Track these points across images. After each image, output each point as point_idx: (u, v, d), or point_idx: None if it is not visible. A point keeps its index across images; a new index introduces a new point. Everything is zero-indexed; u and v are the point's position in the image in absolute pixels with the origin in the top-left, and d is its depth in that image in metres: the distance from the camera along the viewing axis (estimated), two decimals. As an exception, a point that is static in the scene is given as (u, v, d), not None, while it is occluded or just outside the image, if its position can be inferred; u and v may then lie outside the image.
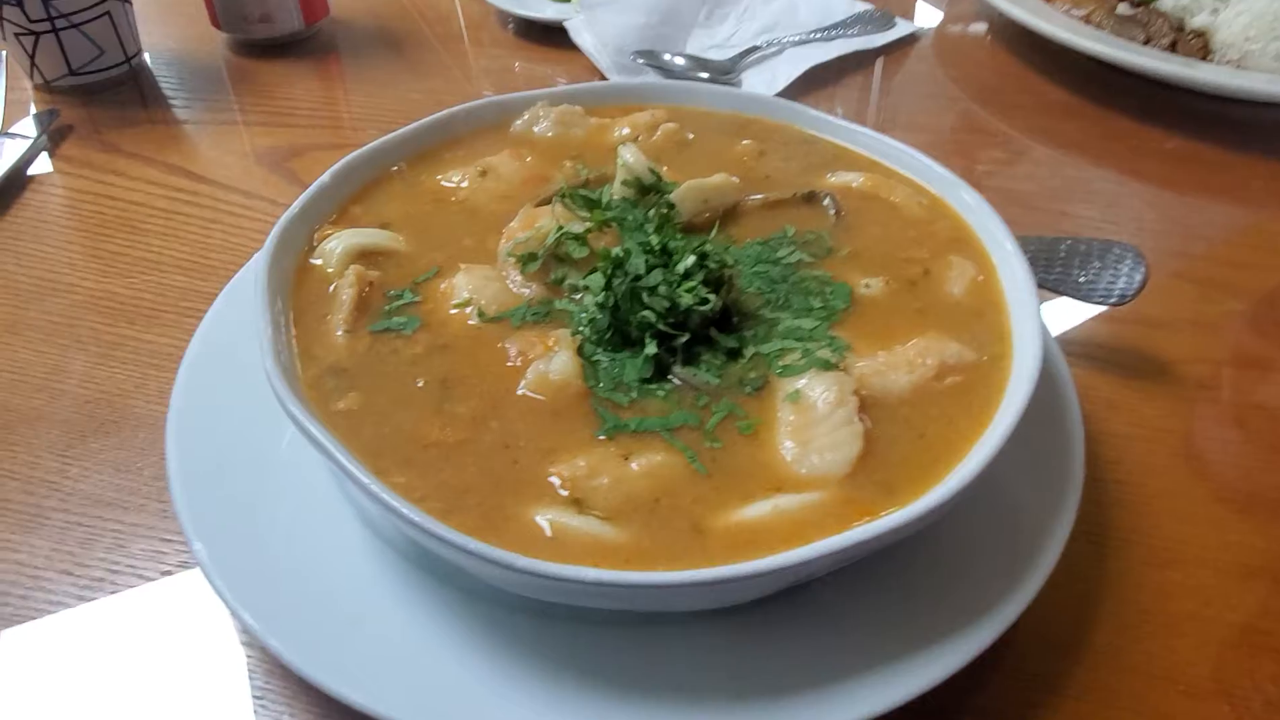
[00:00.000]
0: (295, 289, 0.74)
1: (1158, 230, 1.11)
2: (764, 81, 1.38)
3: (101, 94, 1.39)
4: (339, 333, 0.70)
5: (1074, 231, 1.12)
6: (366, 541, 0.66)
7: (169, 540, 0.75)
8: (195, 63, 1.49)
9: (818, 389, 0.64)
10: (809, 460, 0.60)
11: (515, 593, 0.60)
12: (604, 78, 1.42)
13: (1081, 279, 0.89)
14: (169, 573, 0.73)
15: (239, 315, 0.82)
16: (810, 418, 0.62)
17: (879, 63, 1.51)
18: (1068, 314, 0.96)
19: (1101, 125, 1.32)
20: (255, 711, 0.64)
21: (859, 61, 1.50)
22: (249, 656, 0.67)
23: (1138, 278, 0.86)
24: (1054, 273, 0.90)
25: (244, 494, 0.69)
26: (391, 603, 0.62)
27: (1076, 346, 0.93)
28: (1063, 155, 1.27)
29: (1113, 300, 0.87)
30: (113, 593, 0.71)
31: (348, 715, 0.57)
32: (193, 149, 1.28)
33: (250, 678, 0.65)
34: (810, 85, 1.41)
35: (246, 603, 0.61)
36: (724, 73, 1.38)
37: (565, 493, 0.59)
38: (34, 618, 0.70)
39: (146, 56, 1.47)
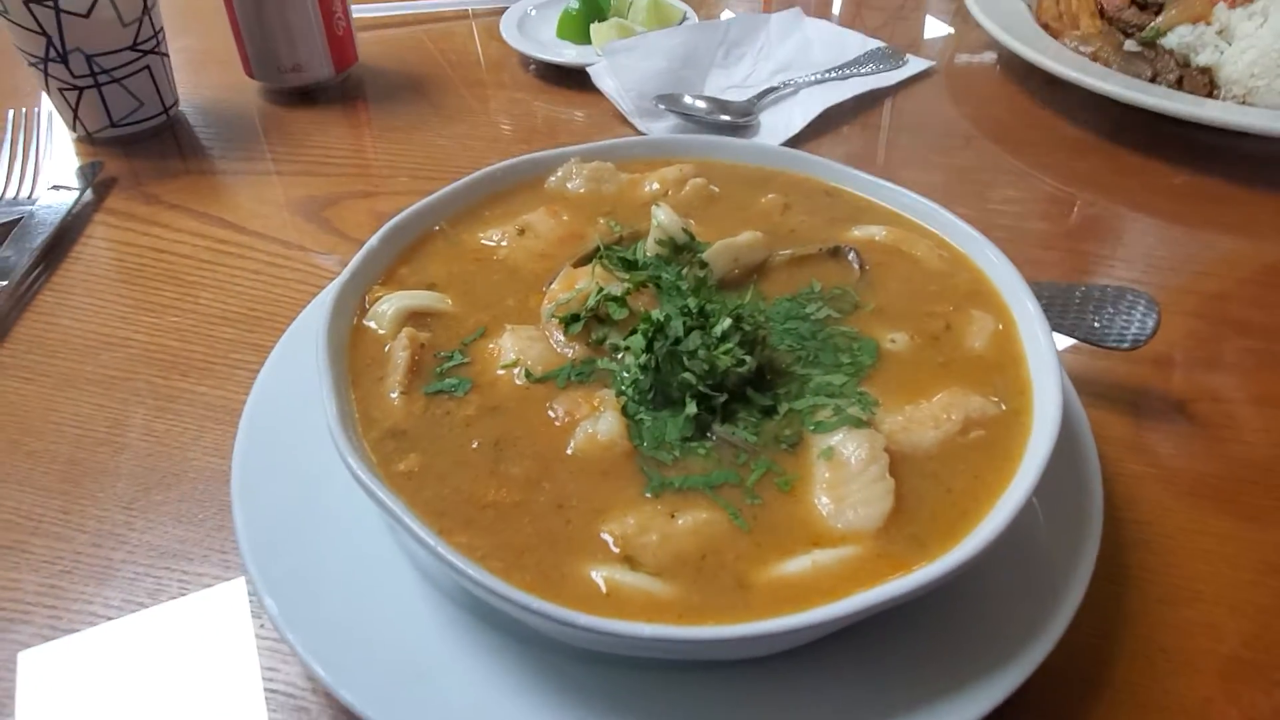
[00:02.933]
0: (351, 351, 0.78)
1: (1169, 268, 1.15)
2: (782, 123, 1.42)
3: (140, 144, 1.44)
4: (395, 395, 0.74)
5: (1088, 269, 1.16)
6: (425, 594, 0.70)
7: (232, 587, 0.79)
8: (230, 112, 1.54)
9: (850, 446, 0.67)
10: (844, 516, 0.64)
11: (572, 644, 0.64)
12: (625, 120, 1.47)
13: (1096, 324, 0.92)
14: (236, 622, 0.77)
15: (292, 371, 0.87)
16: (844, 474, 0.66)
17: (892, 101, 1.55)
18: (1083, 357, 0.99)
19: (1111, 161, 1.36)
20: (324, 757, 0.68)
21: (873, 100, 1.54)
22: (313, 703, 0.71)
23: (1150, 324, 0.90)
24: (1069, 318, 0.94)
25: (308, 550, 0.73)
26: (454, 653, 0.66)
27: (1092, 387, 0.96)
28: (1074, 193, 1.30)
29: (1126, 345, 0.91)
30: (182, 642, 0.76)
31: (417, 763, 0.60)
32: (231, 199, 1.33)
33: (318, 724, 0.69)
34: (827, 124, 1.45)
35: (318, 655, 0.65)
36: (743, 114, 1.43)
37: (617, 550, 0.63)
38: (112, 670, 0.74)
39: (183, 107, 1.53)
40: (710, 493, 0.66)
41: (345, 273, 0.82)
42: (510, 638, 0.67)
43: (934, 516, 0.65)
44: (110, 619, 0.78)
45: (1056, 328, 0.92)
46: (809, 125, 1.43)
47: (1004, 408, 0.73)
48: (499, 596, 0.58)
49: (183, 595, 0.79)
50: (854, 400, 0.72)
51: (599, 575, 0.61)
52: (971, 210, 1.22)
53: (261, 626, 0.76)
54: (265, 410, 0.84)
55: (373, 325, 0.81)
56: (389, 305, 0.81)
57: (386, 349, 0.78)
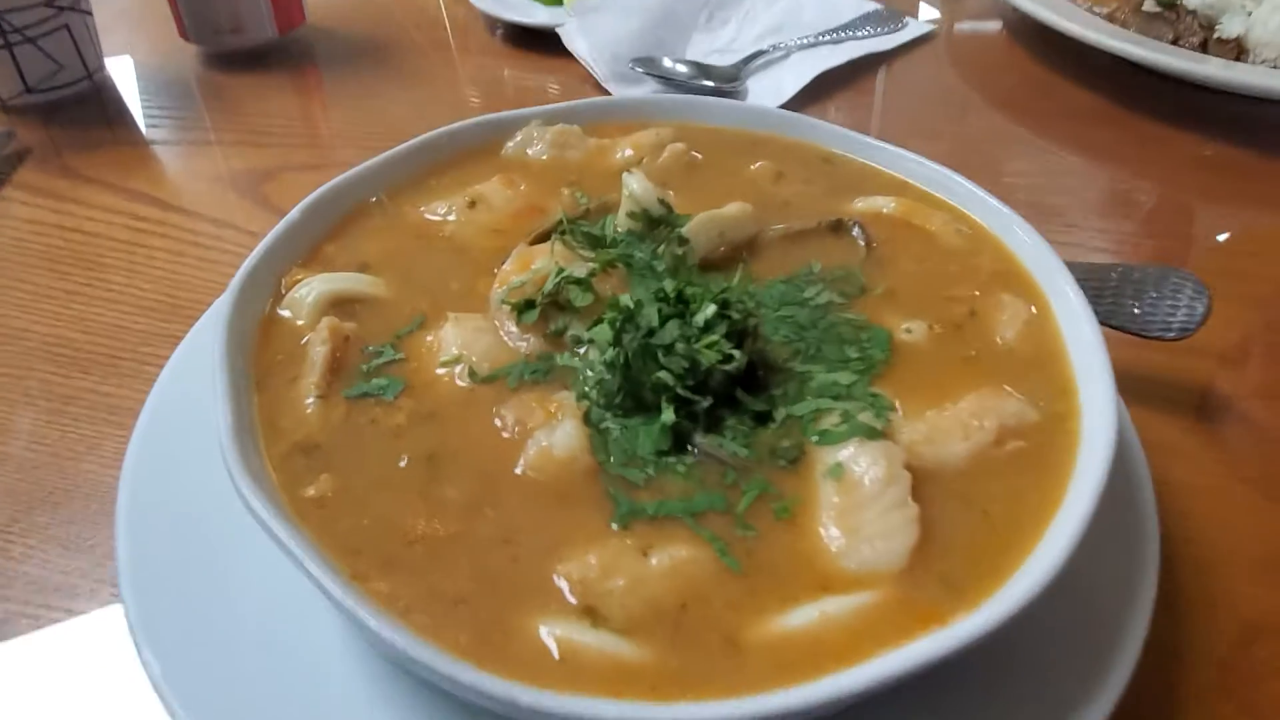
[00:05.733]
0: (259, 346, 0.65)
1: (1206, 247, 1.03)
2: (771, 89, 1.29)
3: (61, 112, 1.30)
4: (310, 400, 0.61)
5: (1113, 250, 1.04)
6: (348, 644, 0.57)
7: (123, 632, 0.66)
8: (162, 77, 1.40)
9: (863, 463, 0.55)
10: (858, 552, 0.52)
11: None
12: (600, 87, 1.33)
13: (1136, 310, 0.80)
14: (125, 677, 0.64)
15: (201, 367, 0.74)
16: (856, 498, 0.54)
17: (890, 66, 1.43)
18: (1119, 346, 0.87)
19: (1133, 131, 1.24)
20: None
21: (869, 65, 1.41)
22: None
23: (1200, 309, 0.78)
24: (1105, 302, 0.81)
25: (206, 588, 0.60)
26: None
27: (1130, 383, 0.84)
28: (1095, 165, 1.18)
29: (1171, 335, 0.79)
30: (61, 699, 0.62)
31: None
32: (159, 172, 1.18)
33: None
34: (819, 91, 1.32)
35: (206, 729, 0.52)
36: (729, 80, 1.29)
37: (574, 599, 0.50)
38: (-34, 732, 0.61)
39: (109, 71, 1.38)
40: (692, 522, 0.54)
41: (257, 251, 0.69)
42: (454, 702, 0.54)
43: (969, 551, 0.53)
44: (-29, 670, 0.64)
45: (1090, 314, 0.80)
46: (801, 92, 1.29)
47: (1043, 412, 0.60)
48: (421, 665, 0.45)
49: (63, 639, 0.66)
50: (865, 404, 0.60)
51: (551, 633, 0.48)
52: (982, 185, 1.09)
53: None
54: (164, 412, 0.71)
55: (288, 314, 0.67)
56: (309, 290, 0.68)
57: (304, 341, 0.65)
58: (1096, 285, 0.82)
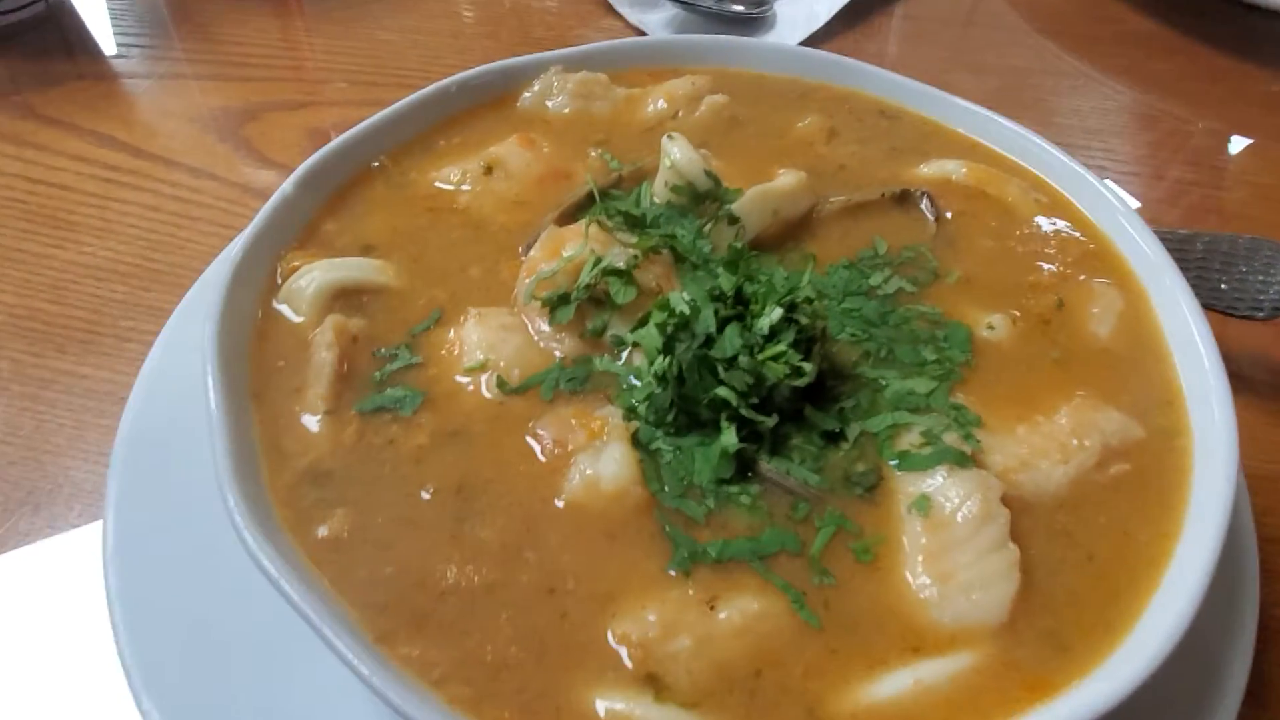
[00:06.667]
0: (255, 350, 0.57)
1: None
2: (803, 14, 1.17)
3: (14, 40, 1.17)
4: (317, 416, 0.53)
5: (1179, 201, 0.95)
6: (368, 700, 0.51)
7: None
8: (127, -1, 1.26)
9: (954, 496, 0.48)
10: (954, 604, 0.46)
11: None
12: (612, 8, 1.21)
13: (1224, 286, 0.73)
14: None
15: (192, 349, 0.65)
16: (947, 538, 0.47)
17: (930, -13, 1.30)
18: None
19: (1196, 62, 1.14)
20: None
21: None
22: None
23: (1296, 286, 0.71)
24: (1189, 275, 0.73)
25: (210, 626, 0.53)
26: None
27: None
28: (1154, 101, 1.08)
29: (1262, 314, 0.71)
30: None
31: None
32: (128, 111, 1.07)
33: None
34: (855, 17, 1.20)
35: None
36: (757, 3, 1.17)
37: (632, 664, 0.44)
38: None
39: (67, -9, 1.24)
40: (761, 568, 0.47)
41: (247, 233, 0.60)
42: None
43: (1075, 600, 0.47)
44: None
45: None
46: (835, 17, 1.18)
47: (1149, 427, 0.54)
48: (465, 756, 0.39)
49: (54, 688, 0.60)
50: (948, 418, 0.53)
51: (610, 708, 0.42)
52: (1034, 126, 1.00)
53: None
54: (154, 408, 0.63)
55: (286, 310, 0.59)
56: (309, 280, 0.59)
57: (311, 338, 0.57)
58: (1179, 257, 0.74)
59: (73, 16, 1.23)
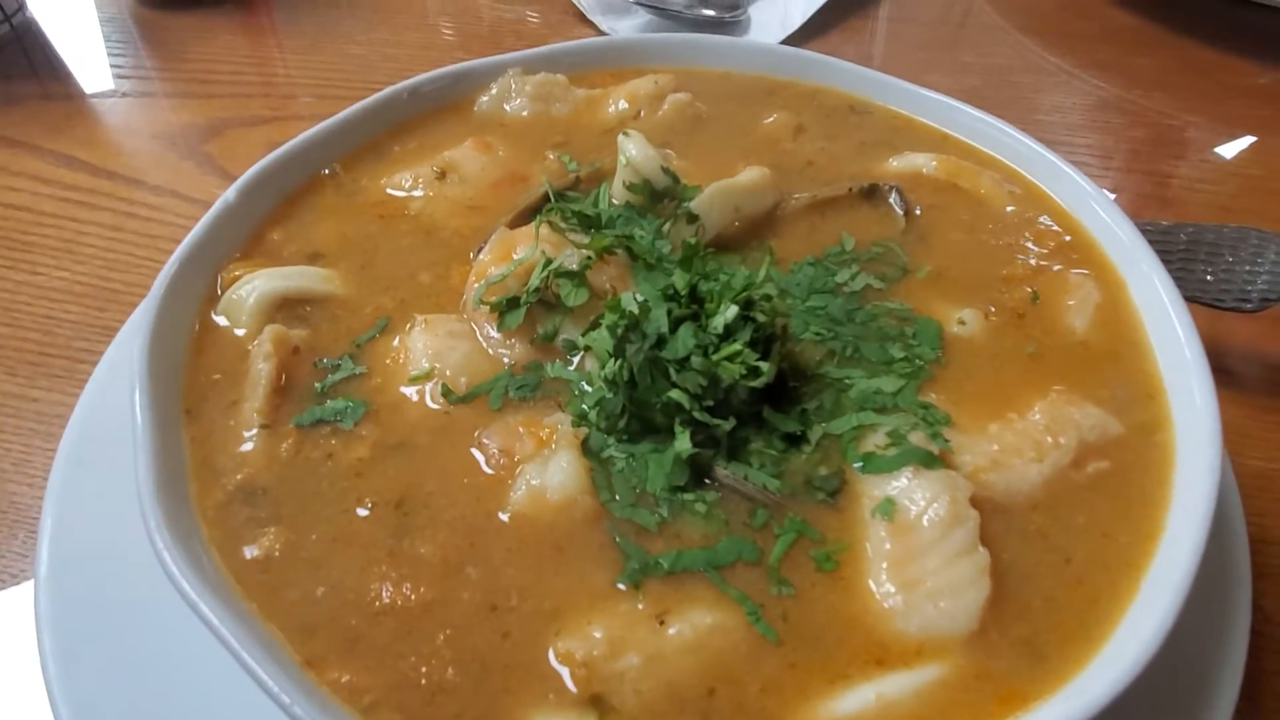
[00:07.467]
0: (191, 364, 0.54)
1: (1274, 191, 0.92)
2: (777, 18, 1.15)
3: (-20, 63, 1.16)
4: (252, 430, 0.51)
5: (1167, 197, 0.93)
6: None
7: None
8: (93, 19, 1.24)
9: (920, 498, 0.46)
10: (920, 613, 0.43)
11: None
12: (587, 21, 1.19)
13: (1210, 277, 0.70)
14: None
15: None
16: (913, 543, 0.45)
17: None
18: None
19: (1180, 57, 1.12)
20: None
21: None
22: None
23: (1284, 275, 0.68)
24: (1172, 269, 0.70)
25: (142, 661, 0.50)
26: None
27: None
28: (1138, 96, 1.06)
29: (1250, 305, 0.69)
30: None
31: None
32: (92, 131, 1.05)
33: None
34: (831, 19, 1.19)
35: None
36: (729, 8, 1.15)
37: (575, 686, 0.41)
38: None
39: (31, 11, 1.23)
40: (716, 578, 0.44)
41: (184, 244, 0.58)
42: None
43: (1051, 605, 0.44)
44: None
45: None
46: (810, 20, 1.16)
47: (1127, 422, 0.51)
48: (391, 790, 0.36)
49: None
50: (916, 417, 0.50)
51: (551, 733, 0.40)
52: (1015, 124, 0.98)
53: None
54: (93, 431, 0.60)
55: (224, 321, 0.57)
56: (250, 290, 0.57)
57: (251, 348, 0.55)
58: (1163, 248, 0.72)
59: (36, 38, 1.21)
